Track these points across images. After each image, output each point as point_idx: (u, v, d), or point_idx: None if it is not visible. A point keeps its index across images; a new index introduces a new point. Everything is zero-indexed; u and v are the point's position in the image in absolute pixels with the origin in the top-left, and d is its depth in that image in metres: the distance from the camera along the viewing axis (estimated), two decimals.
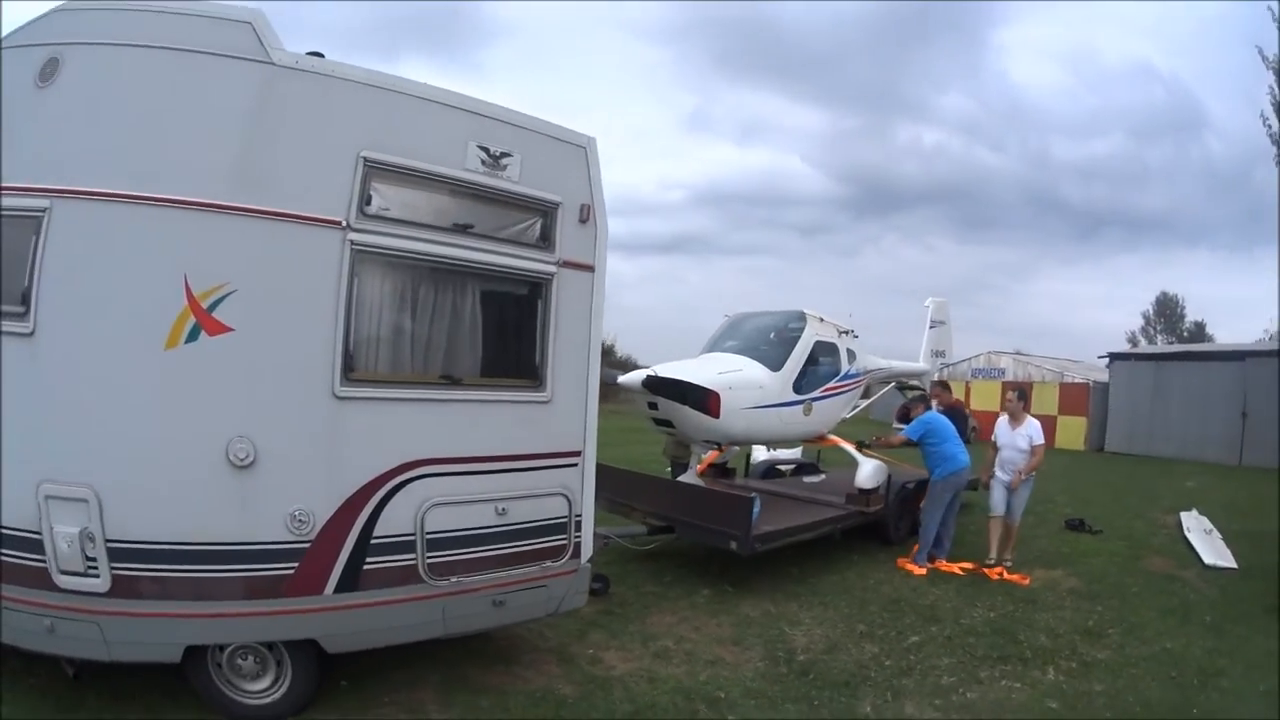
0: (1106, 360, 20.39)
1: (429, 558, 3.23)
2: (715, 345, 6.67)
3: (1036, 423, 6.27)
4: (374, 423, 3.08)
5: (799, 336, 6.33)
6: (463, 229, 3.27)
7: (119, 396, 2.78)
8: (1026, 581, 5.90)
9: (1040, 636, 4.72)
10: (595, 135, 3.61)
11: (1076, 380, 20.27)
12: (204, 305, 2.77)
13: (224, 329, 2.79)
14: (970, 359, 22.41)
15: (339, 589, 3.05)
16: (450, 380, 3.31)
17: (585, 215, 3.57)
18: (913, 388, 9.05)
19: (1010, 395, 6.54)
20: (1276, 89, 13.54)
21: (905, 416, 6.99)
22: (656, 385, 5.47)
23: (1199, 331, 42.95)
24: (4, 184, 2.78)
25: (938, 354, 9.76)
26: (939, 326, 9.89)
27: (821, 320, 6.62)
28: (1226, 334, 42.57)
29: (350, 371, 3.00)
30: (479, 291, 3.38)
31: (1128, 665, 4.35)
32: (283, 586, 2.96)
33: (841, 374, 6.75)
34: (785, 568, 5.85)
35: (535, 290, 3.49)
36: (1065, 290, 79.81)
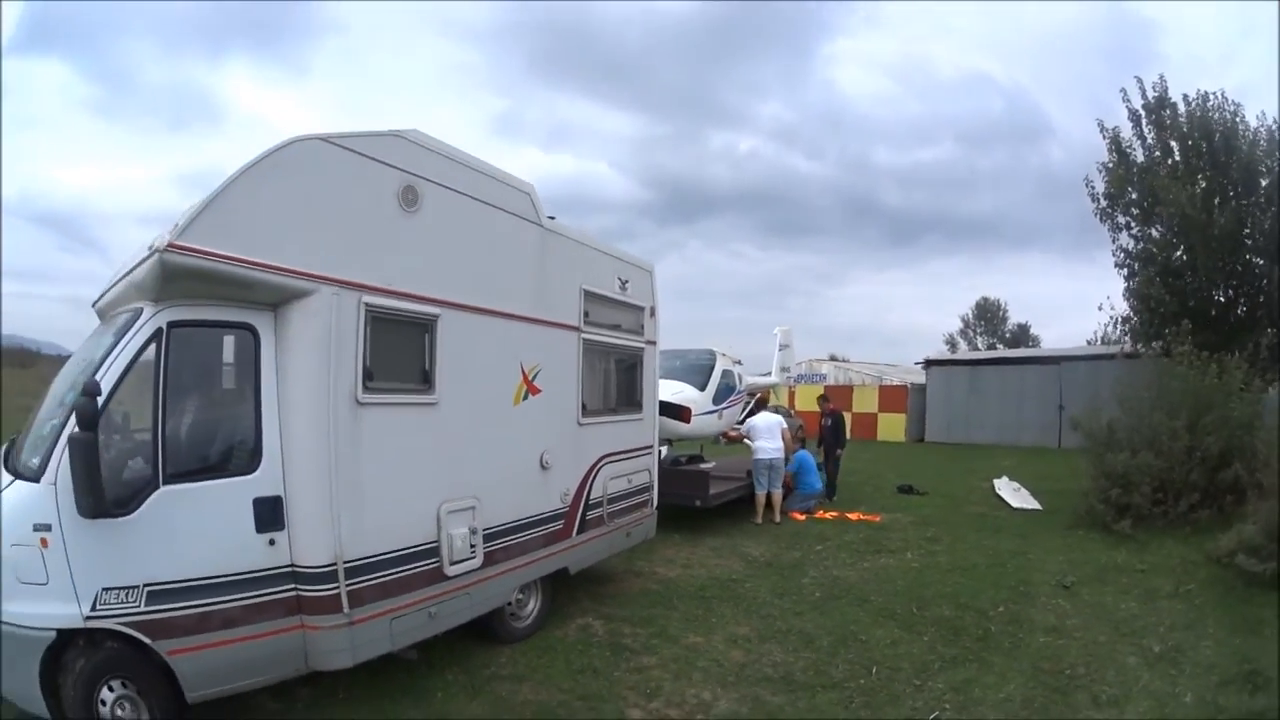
0: (922, 365, 22.15)
1: (608, 509, 5.71)
2: None
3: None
4: (590, 436, 5.47)
5: (713, 366, 9.68)
6: (614, 326, 5.86)
7: (488, 436, 4.38)
8: (878, 518, 8.99)
9: (896, 542, 7.79)
10: (655, 262, 6.54)
11: (895, 383, 22.49)
12: (530, 378, 4.82)
13: (538, 391, 4.89)
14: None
15: (577, 533, 5.34)
16: (613, 409, 5.85)
17: (653, 312, 6.47)
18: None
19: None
20: (1114, 154, 13.04)
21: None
22: None
23: (1022, 334, 41.96)
24: (395, 289, 3.70)
25: (784, 370, 13.38)
26: (785, 349, 13.38)
27: (723, 355, 10.08)
28: (1053, 335, 43.78)
29: (584, 410, 5.36)
30: (617, 360, 5.98)
31: (958, 551, 7.27)
32: (558, 535, 5.13)
33: (735, 390, 10.29)
34: (715, 521, 8.64)
35: (637, 357, 6.26)
36: (880, 293, 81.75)
